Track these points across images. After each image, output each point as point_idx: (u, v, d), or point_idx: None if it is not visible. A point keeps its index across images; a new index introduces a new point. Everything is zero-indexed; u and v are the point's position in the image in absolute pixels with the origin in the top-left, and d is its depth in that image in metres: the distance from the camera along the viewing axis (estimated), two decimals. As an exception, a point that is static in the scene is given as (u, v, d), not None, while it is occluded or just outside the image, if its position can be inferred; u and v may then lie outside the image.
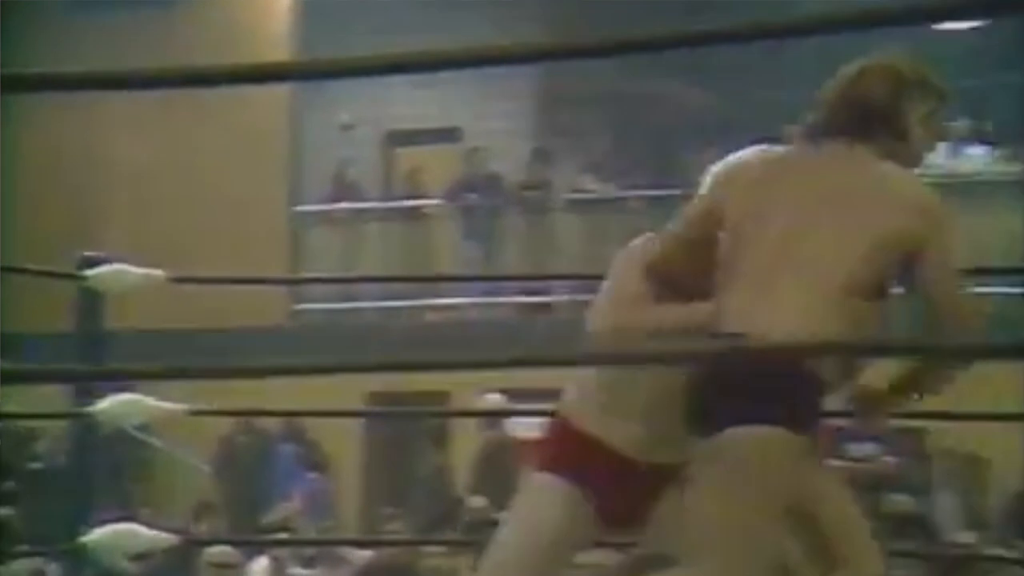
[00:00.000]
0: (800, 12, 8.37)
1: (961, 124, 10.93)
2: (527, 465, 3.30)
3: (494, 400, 8.64)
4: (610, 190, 12.00)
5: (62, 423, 6.42)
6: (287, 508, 9.16)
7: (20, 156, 11.98)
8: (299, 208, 12.39)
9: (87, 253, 4.70)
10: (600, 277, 11.84)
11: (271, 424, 10.27)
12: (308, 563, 7.65)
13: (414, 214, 12.27)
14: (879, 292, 2.93)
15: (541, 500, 3.10)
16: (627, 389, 3.09)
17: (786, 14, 7.74)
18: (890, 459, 7.96)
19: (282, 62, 8.46)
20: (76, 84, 3.21)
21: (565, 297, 11.39)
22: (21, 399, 9.02)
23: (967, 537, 6.96)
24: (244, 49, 11.39)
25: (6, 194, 11.04)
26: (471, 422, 9.70)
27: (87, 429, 4.94)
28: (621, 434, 3.08)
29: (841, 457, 8.11)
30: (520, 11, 11.94)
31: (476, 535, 7.41)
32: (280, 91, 11.88)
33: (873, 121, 3.03)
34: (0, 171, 10.63)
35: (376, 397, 10.17)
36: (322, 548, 7.88)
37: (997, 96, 11.43)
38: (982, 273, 9.91)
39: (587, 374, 3.14)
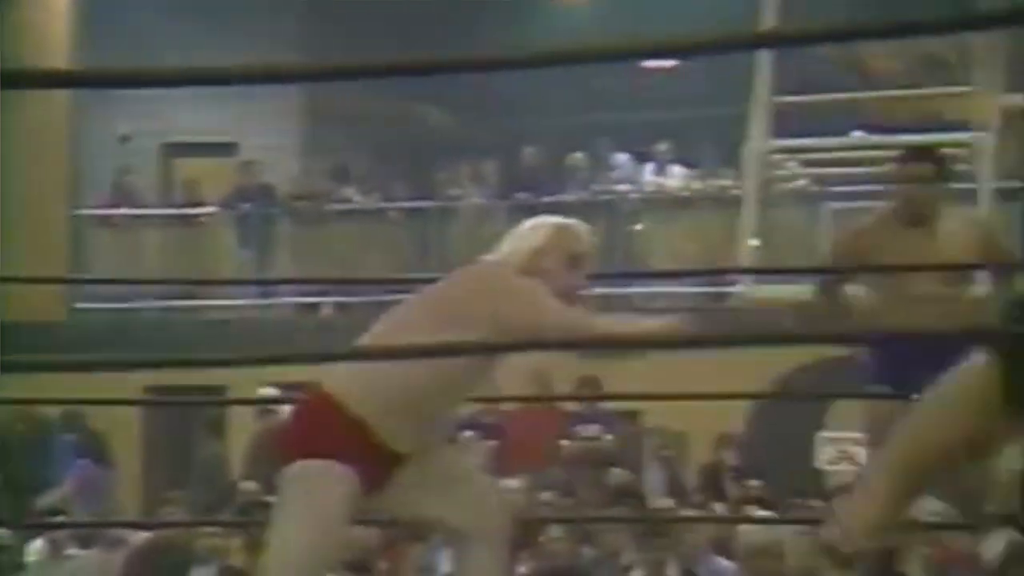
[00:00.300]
0: (543, 45, 8.71)
1: (665, 148, 11.43)
2: (293, 452, 3.20)
3: (268, 393, 8.57)
4: (371, 201, 12.05)
5: None
6: (59, 493, 8.92)
7: None
8: (79, 211, 12.06)
9: None
10: (365, 282, 11.79)
11: (51, 414, 9.95)
12: (85, 543, 7.44)
13: (192, 221, 12.08)
14: None
15: (327, 485, 3.10)
16: (402, 391, 3.16)
17: (528, 46, 8.02)
18: (610, 438, 8.30)
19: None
20: (70, 82, 3.15)
21: (333, 299, 11.44)
22: None
23: (667, 503, 7.24)
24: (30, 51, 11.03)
25: None
26: (247, 414, 9.55)
27: None
28: (394, 430, 3.16)
29: (571, 438, 8.41)
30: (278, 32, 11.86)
31: (248, 516, 7.38)
32: (60, 98, 11.58)
33: None
34: None
35: (153, 391, 9.97)
36: (101, 530, 7.66)
37: (695, 125, 12.04)
38: (678, 275, 10.31)
39: (376, 375, 3.17)
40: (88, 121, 12.31)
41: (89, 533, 7.55)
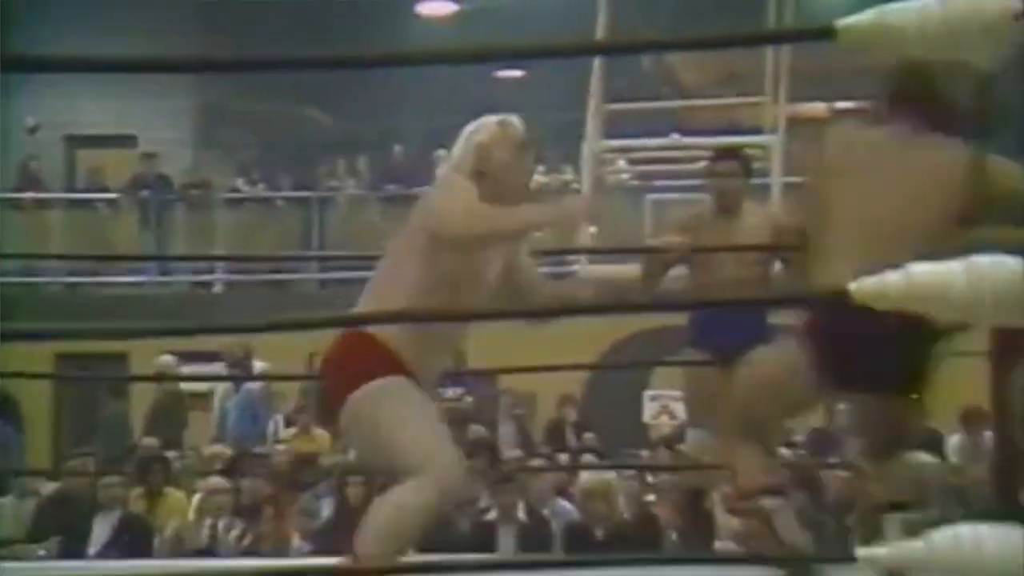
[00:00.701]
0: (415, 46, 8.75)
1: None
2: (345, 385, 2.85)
3: (167, 361, 8.45)
4: (258, 191, 11.94)
5: None
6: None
7: None
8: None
9: None
10: (252, 259, 11.66)
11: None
12: None
13: (95, 206, 11.80)
14: None
15: (405, 389, 2.82)
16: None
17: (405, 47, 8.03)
18: (469, 399, 8.40)
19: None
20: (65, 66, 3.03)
21: (222, 276, 11.31)
22: None
23: (517, 454, 7.37)
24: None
25: None
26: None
27: None
28: (420, 362, 2.86)
29: (437, 398, 8.47)
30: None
31: (146, 470, 7.26)
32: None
33: None
34: None
35: (62, 359, 9.74)
36: (15, 482, 7.42)
37: (540, 127, 12.18)
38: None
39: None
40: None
41: (2, 485, 7.37)
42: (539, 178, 11.52)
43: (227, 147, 12.57)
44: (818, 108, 11.60)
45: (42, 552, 6.38)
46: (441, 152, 11.72)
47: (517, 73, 12.75)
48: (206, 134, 12.54)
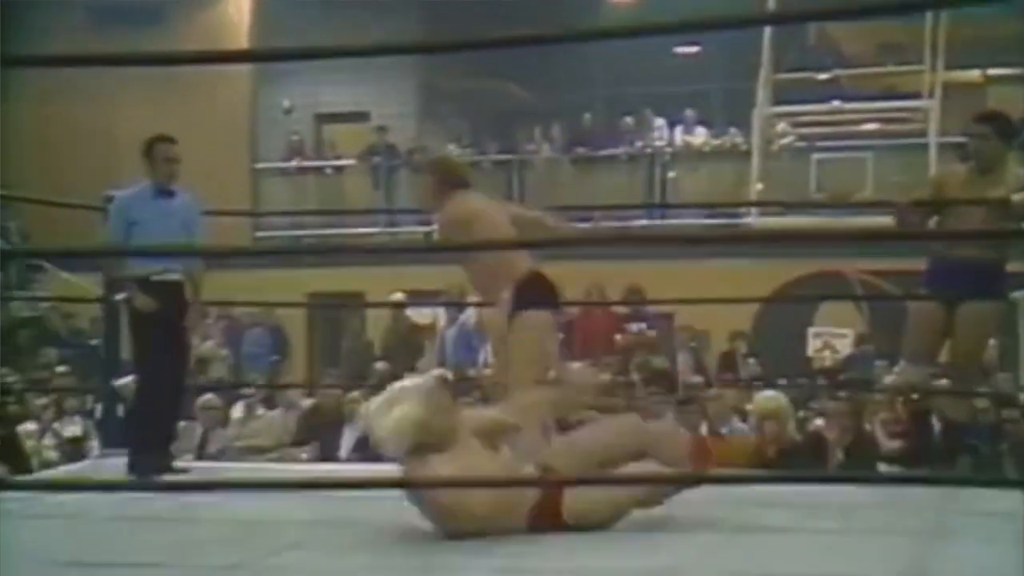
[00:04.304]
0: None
1: (690, 113, 11.30)
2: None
3: (398, 297, 8.66)
4: (468, 154, 12.03)
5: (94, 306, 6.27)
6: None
7: (28, 128, 11.54)
8: (258, 165, 12.18)
9: (108, 193, 4.66)
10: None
11: (243, 314, 10.11)
12: (271, 406, 7.62)
13: (337, 171, 12.17)
14: None
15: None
16: None
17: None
18: (652, 332, 8.30)
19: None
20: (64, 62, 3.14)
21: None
22: (60, 288, 8.82)
23: (696, 380, 7.22)
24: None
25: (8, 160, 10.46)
26: (383, 315, 9.63)
27: (111, 314, 4.93)
28: None
29: (624, 332, 8.40)
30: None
31: (379, 388, 7.43)
32: (242, 79, 11.66)
33: None
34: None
35: (314, 295, 10.12)
36: (280, 395, 7.75)
37: (712, 96, 11.88)
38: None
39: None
40: (261, 97, 12.37)
41: (271, 398, 7.74)
42: (711, 140, 11.29)
43: (443, 118, 12.70)
44: (973, 75, 10.86)
45: (304, 455, 6.66)
46: (627, 119, 11.59)
47: (693, 48, 12.38)
48: (427, 108, 12.70)
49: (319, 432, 6.89)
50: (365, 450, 6.44)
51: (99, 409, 6.55)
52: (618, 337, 8.14)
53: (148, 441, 4.37)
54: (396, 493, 3.54)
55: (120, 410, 5.02)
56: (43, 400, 7.40)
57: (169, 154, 4.47)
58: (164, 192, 4.44)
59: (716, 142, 11.06)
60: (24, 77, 10.64)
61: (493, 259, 3.48)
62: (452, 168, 3.88)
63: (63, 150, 11.36)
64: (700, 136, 11.23)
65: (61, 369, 8.58)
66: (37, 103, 11.64)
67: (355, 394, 6.89)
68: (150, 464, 4.24)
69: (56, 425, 7.23)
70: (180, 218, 4.41)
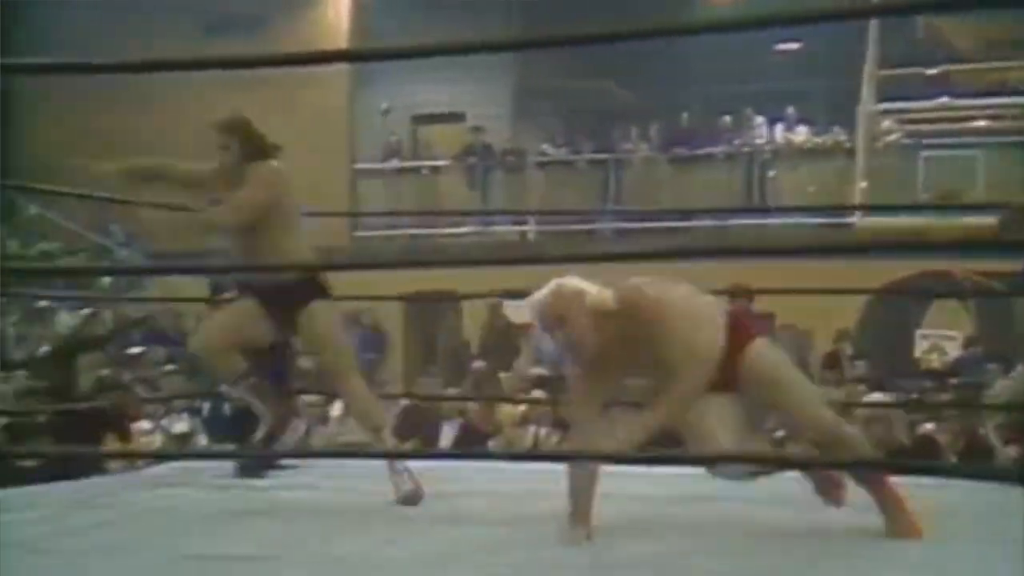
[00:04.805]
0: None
1: (791, 111, 11.09)
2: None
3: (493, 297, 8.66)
4: (562, 154, 12.05)
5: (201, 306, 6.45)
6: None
7: (131, 131, 11.90)
8: (356, 166, 12.38)
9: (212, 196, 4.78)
10: (559, 212, 11.64)
11: (341, 312, 10.19)
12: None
13: (433, 171, 12.29)
14: None
15: None
16: None
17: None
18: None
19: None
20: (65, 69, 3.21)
21: (534, 227, 11.51)
22: (168, 289, 9.06)
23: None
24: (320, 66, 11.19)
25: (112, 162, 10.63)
26: (479, 314, 9.67)
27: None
28: None
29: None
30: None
31: (479, 388, 7.48)
32: (340, 80, 11.86)
33: None
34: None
35: (407, 295, 10.18)
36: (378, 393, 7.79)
37: (813, 93, 11.64)
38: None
39: None
40: (360, 99, 12.57)
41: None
42: (813, 138, 11.06)
43: (539, 118, 12.72)
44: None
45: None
46: (726, 118, 11.43)
47: (794, 45, 12.16)
48: (522, 108, 12.75)
49: (418, 429, 6.95)
50: (463, 447, 6.51)
51: (207, 407, 6.74)
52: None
53: (256, 440, 4.45)
54: (506, 487, 3.57)
55: (227, 408, 5.14)
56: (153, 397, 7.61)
57: None
58: None
59: (818, 140, 10.83)
60: (128, 81, 10.95)
61: None
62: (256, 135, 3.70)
63: (166, 152, 11.69)
64: (801, 134, 11.01)
65: (169, 368, 8.82)
66: (140, 106, 12.01)
67: (453, 392, 6.94)
68: (257, 461, 4.32)
69: (164, 422, 7.44)
70: None
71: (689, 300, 2.86)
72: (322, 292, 3.58)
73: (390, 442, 3.71)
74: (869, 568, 2.65)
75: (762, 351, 2.86)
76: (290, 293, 3.55)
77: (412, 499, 3.41)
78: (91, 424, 5.26)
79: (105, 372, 6.06)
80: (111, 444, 5.35)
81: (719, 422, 2.81)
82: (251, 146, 3.61)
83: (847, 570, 2.66)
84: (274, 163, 3.62)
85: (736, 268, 7.88)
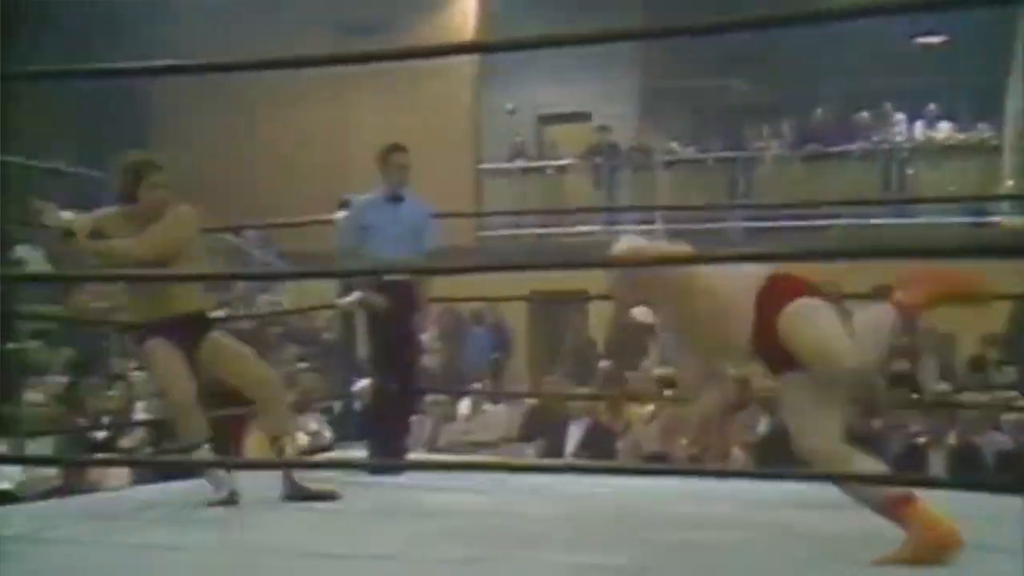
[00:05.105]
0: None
1: (932, 107, 10.66)
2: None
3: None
4: (691, 153, 11.88)
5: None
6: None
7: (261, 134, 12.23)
8: (482, 166, 12.48)
9: (344, 196, 4.91)
10: (682, 209, 11.40)
11: (467, 312, 10.32)
12: (495, 402, 7.75)
13: (559, 171, 12.28)
14: None
15: None
16: None
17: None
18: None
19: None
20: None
21: (663, 226, 11.36)
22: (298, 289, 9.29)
23: (943, 387, 6.76)
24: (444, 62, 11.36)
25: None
26: (605, 310, 9.56)
27: (346, 315, 5.14)
28: None
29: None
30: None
31: (607, 388, 7.42)
32: (467, 86, 11.96)
33: None
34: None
35: (534, 293, 10.18)
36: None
37: (957, 88, 11.14)
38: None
39: None
40: (485, 100, 12.66)
41: (495, 394, 7.87)
42: (955, 135, 10.59)
43: (666, 117, 12.57)
44: None
45: (529, 451, 6.73)
46: (862, 114, 11.06)
47: (936, 38, 11.64)
48: (648, 107, 12.62)
49: (544, 429, 6.94)
50: (591, 447, 6.47)
51: (338, 405, 6.88)
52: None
53: (384, 436, 4.53)
54: (632, 491, 3.52)
55: (356, 406, 5.24)
56: (288, 396, 7.80)
57: (402, 162, 4.66)
58: (395, 198, 4.62)
59: (961, 137, 10.38)
60: (264, 86, 11.27)
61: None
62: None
63: (298, 155, 12.03)
64: (943, 131, 10.56)
65: (302, 365, 9.05)
66: (272, 110, 12.36)
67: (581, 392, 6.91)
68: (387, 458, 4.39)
69: (299, 419, 7.62)
70: (409, 222, 4.60)
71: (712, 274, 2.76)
72: (209, 325, 3.77)
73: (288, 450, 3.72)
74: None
75: (795, 312, 2.64)
76: (187, 327, 3.67)
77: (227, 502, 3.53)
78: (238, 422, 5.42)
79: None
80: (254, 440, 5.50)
81: (794, 412, 2.66)
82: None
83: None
84: (187, 206, 3.73)
85: (875, 266, 7.61)
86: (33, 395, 6.69)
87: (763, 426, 6.16)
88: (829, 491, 2.77)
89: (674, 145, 11.98)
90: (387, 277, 4.53)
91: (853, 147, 10.71)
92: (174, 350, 3.65)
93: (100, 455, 5.91)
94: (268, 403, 3.71)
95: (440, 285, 5.10)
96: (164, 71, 2.80)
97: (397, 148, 4.69)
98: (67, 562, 2.66)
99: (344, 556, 2.80)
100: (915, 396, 6.16)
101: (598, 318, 9.83)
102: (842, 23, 3.16)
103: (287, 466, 3.74)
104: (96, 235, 3.63)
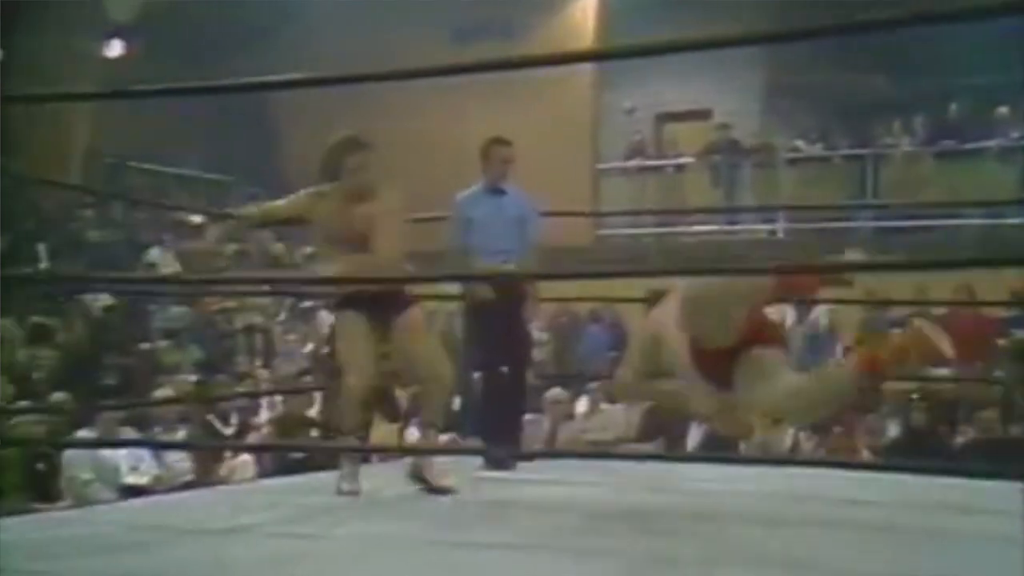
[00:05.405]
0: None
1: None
2: None
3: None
4: (817, 150, 11.59)
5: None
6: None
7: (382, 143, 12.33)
8: (600, 165, 12.44)
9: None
10: (806, 208, 11.12)
11: (583, 310, 10.32)
12: (612, 402, 7.70)
13: (678, 169, 12.15)
14: None
15: None
16: None
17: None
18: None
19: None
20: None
21: (785, 225, 11.13)
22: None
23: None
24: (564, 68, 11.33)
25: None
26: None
27: (466, 310, 5.12)
28: None
29: (1007, 337, 7.59)
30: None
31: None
32: (586, 86, 11.93)
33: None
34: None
35: (650, 293, 10.05)
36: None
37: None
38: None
39: None
40: (604, 99, 12.61)
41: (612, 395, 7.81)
42: None
43: (789, 113, 12.29)
44: None
45: (649, 451, 6.66)
46: (1000, 109, 10.58)
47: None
48: (771, 104, 12.37)
49: (664, 428, 6.87)
50: (713, 447, 6.37)
51: (457, 401, 6.94)
52: (1001, 342, 7.42)
53: (498, 432, 4.53)
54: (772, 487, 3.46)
55: (463, 402, 5.27)
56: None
57: (504, 155, 4.67)
58: (496, 191, 4.64)
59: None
60: (382, 88, 11.42)
61: None
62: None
63: (415, 159, 12.18)
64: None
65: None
66: (391, 120, 12.55)
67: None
68: (503, 454, 4.40)
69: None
70: (512, 214, 4.61)
71: None
72: (408, 303, 3.70)
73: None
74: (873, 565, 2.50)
75: None
76: (383, 303, 3.63)
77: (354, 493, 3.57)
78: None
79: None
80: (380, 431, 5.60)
81: None
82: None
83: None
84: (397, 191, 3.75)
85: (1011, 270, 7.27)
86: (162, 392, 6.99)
87: (892, 430, 5.97)
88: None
89: (799, 143, 11.70)
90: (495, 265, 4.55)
91: (991, 144, 10.26)
92: (364, 327, 3.59)
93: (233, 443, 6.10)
94: (434, 396, 3.70)
95: (555, 283, 5.08)
96: (224, 89, 2.83)
97: (499, 141, 4.71)
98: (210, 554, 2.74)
99: (469, 545, 2.82)
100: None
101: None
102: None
103: (410, 452, 3.77)
104: (291, 221, 3.72)
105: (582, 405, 7.67)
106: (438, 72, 2.55)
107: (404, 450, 3.79)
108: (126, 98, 3.41)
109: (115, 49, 12.08)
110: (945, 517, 3.13)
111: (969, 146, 10.37)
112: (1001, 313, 7.59)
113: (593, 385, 7.93)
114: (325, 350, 8.25)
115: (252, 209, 3.90)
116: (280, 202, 3.79)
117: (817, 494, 3.41)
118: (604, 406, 7.65)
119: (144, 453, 5.83)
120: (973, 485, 3.25)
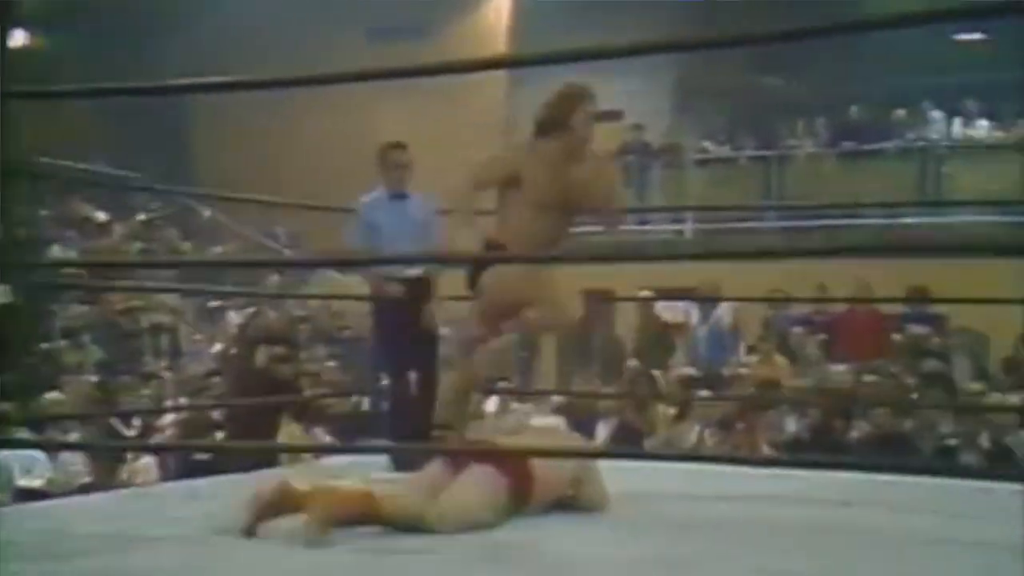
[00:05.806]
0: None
1: (971, 105, 10.52)
2: None
3: (645, 295, 8.58)
4: (724, 151, 11.82)
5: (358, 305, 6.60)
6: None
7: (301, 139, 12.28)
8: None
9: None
10: (713, 209, 11.32)
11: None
12: (523, 401, 7.75)
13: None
14: None
15: None
16: None
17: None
18: (936, 339, 7.73)
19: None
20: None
21: (692, 225, 11.32)
22: (328, 287, 9.36)
23: (976, 387, 6.70)
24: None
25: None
26: (631, 311, 9.57)
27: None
28: None
29: (900, 334, 7.88)
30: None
31: (633, 386, 7.41)
32: (498, 86, 11.95)
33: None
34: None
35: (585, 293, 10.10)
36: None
37: (997, 86, 11.00)
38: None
39: None
40: (516, 96, 12.64)
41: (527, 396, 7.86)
42: (994, 133, 10.42)
43: (699, 115, 12.52)
44: None
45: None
46: (899, 111, 10.94)
47: (976, 35, 11.49)
48: (682, 105, 12.57)
49: (571, 427, 6.95)
50: (620, 443, 6.48)
51: (366, 403, 6.91)
52: (897, 338, 7.68)
53: (407, 433, 4.51)
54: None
55: (384, 405, 5.26)
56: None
57: (400, 160, 4.66)
58: (398, 196, 4.64)
59: (1001, 135, 10.25)
60: (289, 93, 11.36)
61: None
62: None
63: (327, 159, 12.10)
64: (982, 129, 10.44)
65: (330, 365, 9.11)
66: (315, 116, 12.43)
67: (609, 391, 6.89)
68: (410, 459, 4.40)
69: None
70: (413, 219, 4.61)
71: None
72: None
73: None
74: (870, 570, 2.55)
75: None
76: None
77: None
78: (270, 415, 5.47)
79: (284, 366, 6.23)
80: (287, 433, 5.55)
81: None
82: None
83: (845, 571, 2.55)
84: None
85: (910, 266, 7.54)
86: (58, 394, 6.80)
87: (790, 426, 6.14)
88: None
89: (707, 144, 11.92)
90: (400, 271, 4.55)
91: (889, 145, 10.61)
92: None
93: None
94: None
95: (461, 282, 5.10)
96: (179, 90, 2.84)
97: (394, 146, 4.71)
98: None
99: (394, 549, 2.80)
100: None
101: (625, 318, 9.82)
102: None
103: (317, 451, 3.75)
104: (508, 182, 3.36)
105: (491, 405, 7.69)
106: (351, 78, 2.56)
107: (310, 448, 3.75)
108: (125, 96, 3.35)
109: (17, 39, 11.71)
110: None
111: (869, 147, 10.70)
112: (898, 310, 7.85)
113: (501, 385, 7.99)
114: (233, 351, 8.15)
115: (467, 184, 3.46)
116: (488, 164, 3.51)
117: (722, 492, 3.42)
118: (514, 405, 7.69)
119: (38, 454, 5.66)
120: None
